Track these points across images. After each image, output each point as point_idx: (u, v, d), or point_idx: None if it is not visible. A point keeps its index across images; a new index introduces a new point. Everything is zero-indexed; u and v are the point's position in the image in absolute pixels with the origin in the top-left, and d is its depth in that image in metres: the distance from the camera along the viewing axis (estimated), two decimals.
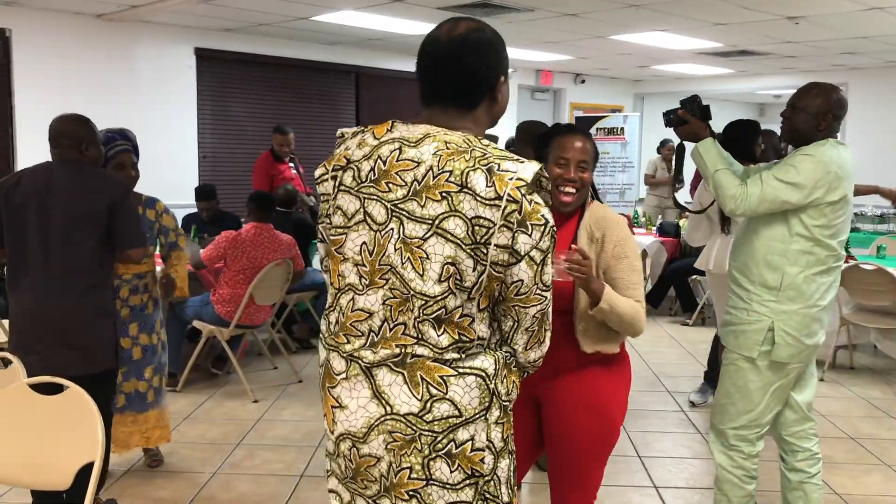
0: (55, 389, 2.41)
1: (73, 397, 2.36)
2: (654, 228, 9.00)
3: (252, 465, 4.11)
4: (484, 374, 1.61)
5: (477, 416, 1.60)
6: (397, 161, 1.60)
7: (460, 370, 1.59)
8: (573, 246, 2.30)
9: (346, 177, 1.66)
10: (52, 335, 3.16)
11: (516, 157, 1.57)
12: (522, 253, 1.55)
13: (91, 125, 3.30)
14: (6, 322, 4.81)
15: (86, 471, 2.27)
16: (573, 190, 2.36)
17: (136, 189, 3.77)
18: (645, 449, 4.41)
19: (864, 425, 4.86)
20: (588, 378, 2.42)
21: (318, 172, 1.73)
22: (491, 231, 1.52)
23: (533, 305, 1.61)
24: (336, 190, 1.68)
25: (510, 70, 1.77)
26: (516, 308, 1.61)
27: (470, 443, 1.60)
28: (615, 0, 6.23)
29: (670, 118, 3.14)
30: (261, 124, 8.54)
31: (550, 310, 1.68)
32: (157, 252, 3.95)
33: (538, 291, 1.60)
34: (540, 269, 1.58)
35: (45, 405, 2.39)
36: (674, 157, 3.48)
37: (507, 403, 1.68)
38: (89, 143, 3.24)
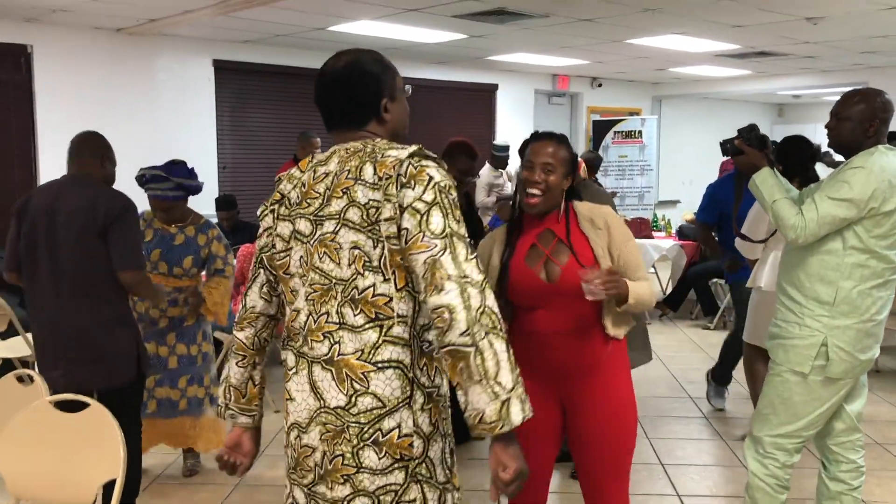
0: (78, 406, 2.44)
1: (96, 414, 2.38)
2: (673, 231, 8.96)
3: (274, 476, 4.13)
4: (401, 366, 1.73)
5: (400, 404, 1.73)
6: (313, 180, 1.83)
7: (379, 365, 1.72)
8: (588, 268, 2.34)
9: (281, 208, 1.88)
10: (69, 352, 3.20)
11: (400, 147, 1.77)
12: (405, 205, 1.68)
13: (108, 144, 3.37)
14: (30, 335, 4.89)
15: (112, 486, 2.30)
16: (537, 192, 2.44)
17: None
18: (667, 456, 4.38)
19: (890, 430, 4.80)
20: (606, 377, 2.51)
21: (259, 211, 1.96)
22: (379, 209, 1.70)
23: (421, 252, 1.66)
24: (275, 221, 1.89)
25: (406, 87, 1.96)
26: (409, 258, 1.68)
27: (396, 430, 1.73)
28: (631, 4, 6.21)
29: (727, 148, 3.10)
30: (278, 134, 8.58)
31: (453, 263, 1.65)
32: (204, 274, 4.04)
33: (426, 238, 1.66)
34: (425, 217, 1.67)
35: (67, 422, 2.42)
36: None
37: (433, 390, 1.79)
38: (106, 160, 3.32)
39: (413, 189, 1.69)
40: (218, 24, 7.03)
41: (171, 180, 3.79)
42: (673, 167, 13.03)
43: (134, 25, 7.11)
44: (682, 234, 8.42)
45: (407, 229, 1.68)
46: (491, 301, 1.66)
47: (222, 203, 6.78)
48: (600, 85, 11.87)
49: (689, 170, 13.02)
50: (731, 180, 4.98)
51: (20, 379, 2.76)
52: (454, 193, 1.74)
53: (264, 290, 1.95)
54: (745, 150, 3.01)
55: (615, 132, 11.53)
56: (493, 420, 1.60)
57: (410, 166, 1.71)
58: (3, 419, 2.50)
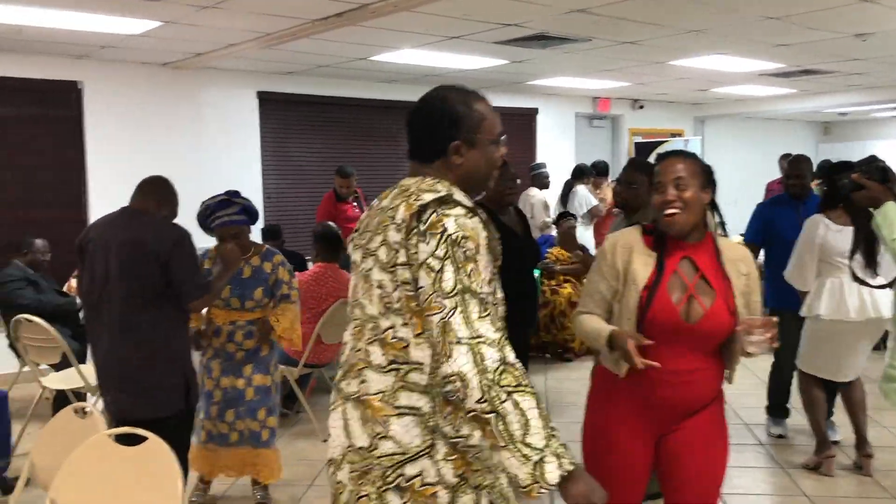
0: (136, 439, 2.44)
1: (154, 448, 2.38)
2: None
3: None
4: (419, 413, 1.69)
5: (421, 454, 1.70)
6: (373, 212, 1.85)
7: (399, 409, 1.69)
8: (749, 319, 2.27)
9: (356, 234, 1.91)
10: (117, 382, 3.26)
11: (439, 189, 1.71)
12: (420, 261, 1.64)
13: (175, 195, 3.44)
14: (83, 367, 4.95)
15: None
16: (674, 210, 2.30)
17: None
18: (724, 485, 4.25)
19: None
20: (709, 420, 2.44)
21: (348, 239, 1.99)
22: (397, 253, 1.69)
23: (434, 313, 1.62)
24: (353, 249, 1.91)
25: (501, 138, 1.87)
26: (426, 318, 1.65)
27: (419, 478, 1.70)
28: (675, 26, 6.16)
29: (844, 184, 3.00)
30: (322, 163, 8.66)
31: (462, 322, 1.59)
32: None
33: (437, 299, 1.62)
34: (438, 276, 1.62)
35: (126, 456, 2.43)
36: None
37: (458, 440, 1.70)
38: (164, 205, 3.37)
39: (427, 243, 1.65)
40: (261, 56, 7.14)
41: (236, 202, 3.82)
42: (717, 189, 12.83)
43: (180, 60, 7.25)
44: None
45: (422, 288, 1.65)
46: (511, 357, 1.58)
47: (268, 233, 6.84)
48: (642, 107, 11.80)
49: (733, 191, 12.81)
50: (782, 203, 4.91)
51: (77, 412, 2.77)
52: (470, 244, 1.65)
53: None
54: (866, 183, 2.88)
55: (657, 154, 11.42)
56: (528, 483, 1.55)
57: (433, 214, 1.67)
58: (63, 452, 2.52)
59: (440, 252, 1.63)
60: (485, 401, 1.55)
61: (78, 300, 5.70)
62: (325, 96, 8.73)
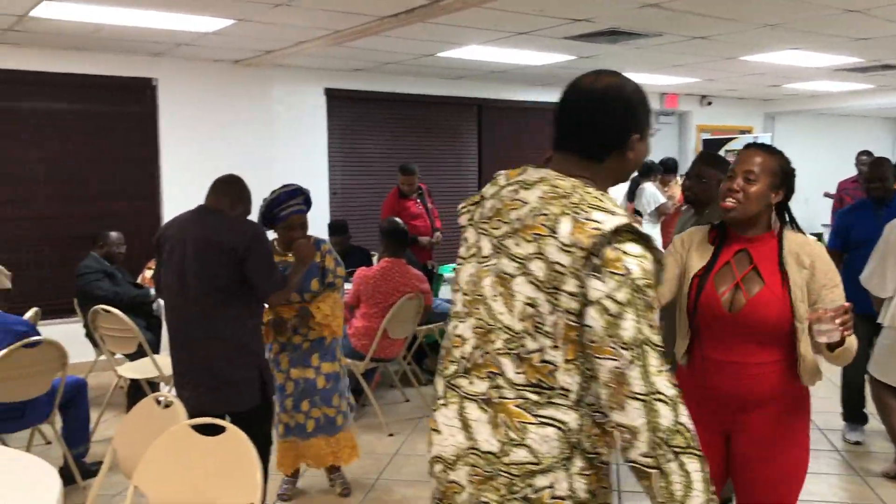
0: (216, 430, 2.49)
1: (233, 438, 2.42)
2: None
3: (392, 500, 4.13)
4: (564, 427, 1.59)
5: (555, 464, 1.59)
6: (510, 200, 1.68)
7: (542, 419, 1.58)
8: (822, 308, 2.20)
9: (476, 212, 1.77)
10: (193, 377, 3.32)
11: (612, 209, 1.55)
12: (592, 299, 1.51)
13: (250, 196, 3.49)
14: (157, 357, 5.08)
15: None
16: (733, 200, 2.33)
17: None
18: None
19: None
20: (783, 423, 2.39)
21: (459, 206, 1.84)
22: (563, 277, 1.53)
23: (606, 358, 1.50)
24: (468, 223, 1.79)
25: (654, 130, 1.74)
26: (592, 357, 1.53)
27: (549, 490, 1.59)
28: (748, 20, 6.01)
29: None
30: (387, 159, 8.71)
31: (642, 377, 1.48)
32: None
33: (611, 345, 1.49)
34: (616, 321, 1.49)
35: (206, 446, 2.47)
36: None
37: (594, 456, 1.62)
38: (239, 203, 3.42)
39: (604, 281, 1.49)
40: (330, 53, 7.21)
41: (303, 192, 3.90)
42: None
43: (251, 57, 7.37)
44: None
45: (591, 328, 1.50)
46: (685, 417, 1.51)
47: (334, 228, 6.91)
48: (710, 103, 11.56)
49: (805, 188, 12.44)
50: (862, 208, 4.76)
51: (158, 402, 2.84)
52: (652, 293, 1.52)
53: None
54: None
55: (726, 151, 11.18)
56: None
57: (609, 247, 1.50)
58: (144, 440, 2.58)
59: (621, 296, 1.48)
60: (651, 457, 1.49)
61: (152, 292, 5.85)
62: (391, 93, 8.78)
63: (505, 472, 1.60)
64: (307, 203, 3.92)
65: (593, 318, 1.51)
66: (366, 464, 4.62)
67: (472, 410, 1.66)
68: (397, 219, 5.93)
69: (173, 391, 4.22)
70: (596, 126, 1.65)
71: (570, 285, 1.52)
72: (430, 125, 9.23)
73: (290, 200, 3.83)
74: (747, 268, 2.34)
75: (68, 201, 7.01)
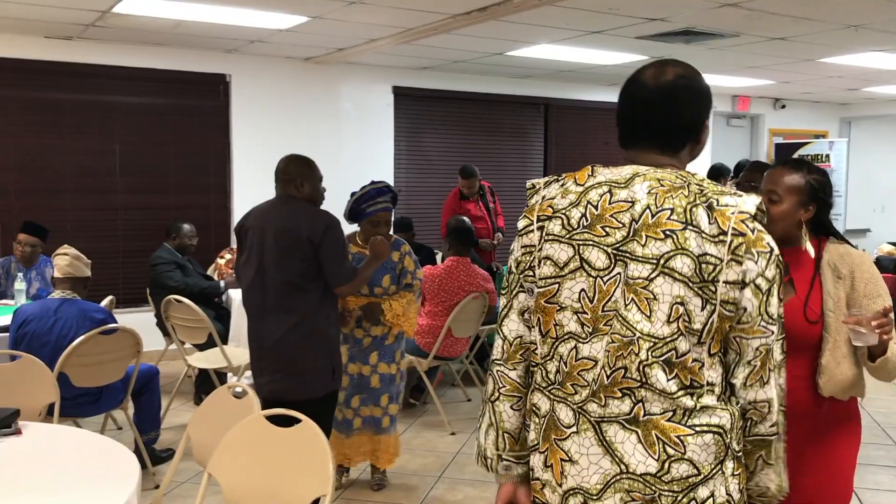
0: (289, 421, 2.51)
1: (307, 430, 2.44)
2: None
3: (455, 499, 4.11)
4: (721, 431, 1.55)
5: (714, 471, 1.55)
6: (609, 204, 1.59)
7: (697, 429, 1.53)
8: (855, 313, 2.16)
9: (554, 226, 1.65)
10: (271, 363, 3.38)
11: (732, 191, 1.56)
12: (747, 280, 1.51)
13: (309, 164, 3.51)
14: (226, 347, 5.17)
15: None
16: None
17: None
18: (860, 481, 4.01)
19: None
20: (824, 440, 2.30)
21: (521, 224, 1.71)
22: (718, 268, 1.49)
23: (756, 337, 1.53)
24: (542, 241, 1.66)
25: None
26: (738, 339, 1.54)
27: (711, 499, 1.55)
28: (831, 21, 5.83)
29: None
30: (453, 158, 8.71)
31: (779, 352, 1.57)
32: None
33: (762, 323, 1.53)
34: (766, 298, 1.52)
35: (280, 437, 2.49)
36: None
37: (740, 454, 1.61)
38: (304, 180, 3.43)
39: (756, 261, 1.51)
40: (399, 51, 7.24)
41: (391, 190, 3.94)
42: (863, 193, 12.12)
43: (322, 55, 7.45)
44: (880, 266, 7.80)
45: (746, 309, 1.52)
46: (783, 379, 1.60)
47: (400, 225, 6.93)
48: (784, 106, 11.26)
49: (882, 196, 12.08)
50: None
51: (232, 391, 2.88)
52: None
53: (525, 315, 1.72)
54: None
55: (800, 156, 10.89)
56: (775, 494, 1.64)
57: (751, 227, 1.52)
58: (218, 429, 2.62)
59: (769, 273, 1.52)
60: (775, 425, 1.58)
61: (222, 284, 5.96)
62: (458, 91, 8.78)
63: (667, 490, 1.55)
64: (394, 201, 3.98)
65: (749, 298, 1.52)
66: (427, 462, 4.62)
67: (616, 433, 1.58)
68: (465, 217, 5.92)
69: (245, 381, 4.31)
70: (675, 118, 1.64)
71: (731, 274, 1.51)
72: (497, 124, 9.20)
73: (379, 197, 3.89)
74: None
75: (143, 193, 7.19)
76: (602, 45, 6.89)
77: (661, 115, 1.64)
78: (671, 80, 1.64)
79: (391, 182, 8.43)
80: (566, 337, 1.63)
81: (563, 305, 1.63)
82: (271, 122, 7.68)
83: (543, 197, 1.70)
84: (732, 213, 1.51)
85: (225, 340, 5.56)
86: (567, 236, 1.63)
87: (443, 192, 7.88)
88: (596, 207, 1.61)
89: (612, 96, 9.17)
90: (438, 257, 6.93)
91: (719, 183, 8.10)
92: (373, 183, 3.93)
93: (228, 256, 6.44)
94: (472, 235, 5.65)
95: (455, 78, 8.70)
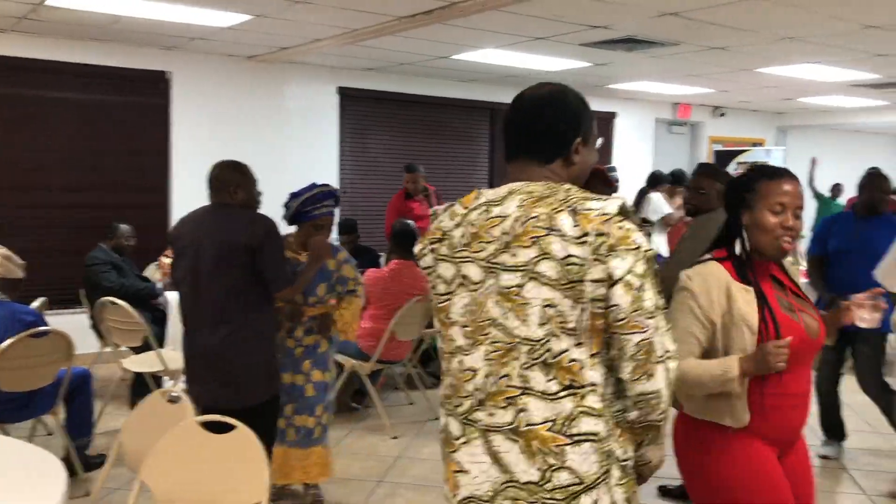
0: (224, 427, 2.46)
1: (242, 437, 2.40)
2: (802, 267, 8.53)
3: None
4: (597, 438, 1.60)
5: (598, 480, 1.60)
6: (485, 221, 1.68)
7: (575, 438, 1.59)
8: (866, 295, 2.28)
9: (442, 247, 1.75)
10: (207, 371, 3.31)
11: (598, 195, 1.62)
12: (616, 277, 1.55)
13: (242, 170, 3.43)
14: (162, 351, 5.06)
15: None
16: (789, 240, 2.22)
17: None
18: None
19: None
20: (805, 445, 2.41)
21: (416, 249, 1.83)
22: (584, 268, 1.55)
23: (635, 332, 1.57)
24: (435, 262, 1.76)
25: (598, 140, 1.82)
26: (618, 335, 1.58)
27: None
28: (767, 33, 5.98)
29: None
30: (398, 160, 8.67)
31: (664, 344, 1.60)
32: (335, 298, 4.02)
33: (638, 318, 1.56)
34: (639, 293, 1.56)
35: (214, 443, 2.44)
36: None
37: (626, 462, 1.67)
38: (237, 187, 3.37)
39: (623, 258, 1.55)
40: (344, 52, 7.20)
41: (336, 194, 3.86)
42: None
43: (265, 53, 7.36)
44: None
45: (619, 305, 1.56)
46: (678, 362, 1.66)
47: (344, 227, 6.89)
48: (723, 114, 11.53)
49: (816, 203, 12.45)
50: (849, 217, 4.75)
51: (167, 398, 2.82)
52: (654, 261, 1.62)
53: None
54: None
55: (738, 163, 11.16)
56: (657, 465, 1.77)
57: (617, 227, 1.56)
58: (152, 435, 2.55)
59: (639, 269, 1.55)
60: (664, 412, 1.64)
61: (159, 286, 5.83)
62: (405, 93, 8.76)
63: (550, 498, 1.59)
64: (336, 205, 3.90)
65: (620, 295, 1.55)
66: (369, 466, 4.59)
67: (501, 442, 1.63)
68: (409, 221, 5.90)
69: (180, 387, 4.21)
70: (542, 130, 1.71)
71: (596, 272, 1.55)
72: (443, 127, 9.21)
73: (326, 200, 3.80)
74: (786, 292, 2.28)
75: (79, 191, 7.00)
76: (547, 52, 6.95)
77: (529, 122, 1.73)
78: (543, 94, 1.74)
79: (336, 183, 8.37)
80: (455, 351, 1.72)
81: (453, 321, 1.72)
82: (213, 122, 7.55)
83: (438, 222, 1.79)
84: (596, 216, 1.56)
85: (161, 343, 5.44)
86: (451, 255, 1.73)
87: (387, 194, 7.85)
88: (473, 226, 1.70)
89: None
90: (382, 260, 6.90)
91: (656, 190, 8.25)
92: (319, 185, 3.86)
93: None
94: (415, 238, 5.63)
95: (401, 80, 8.68)
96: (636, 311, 1.56)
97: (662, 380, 1.60)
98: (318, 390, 3.92)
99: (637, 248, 1.56)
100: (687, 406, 2.31)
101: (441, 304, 1.75)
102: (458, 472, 1.70)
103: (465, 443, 1.69)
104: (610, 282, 1.55)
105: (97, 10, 5.61)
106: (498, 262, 1.64)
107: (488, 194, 1.73)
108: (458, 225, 1.73)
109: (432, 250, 1.78)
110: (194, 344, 3.33)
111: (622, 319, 1.56)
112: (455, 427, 1.71)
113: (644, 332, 1.57)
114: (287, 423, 3.88)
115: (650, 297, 1.57)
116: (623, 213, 1.59)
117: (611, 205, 1.58)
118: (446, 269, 1.73)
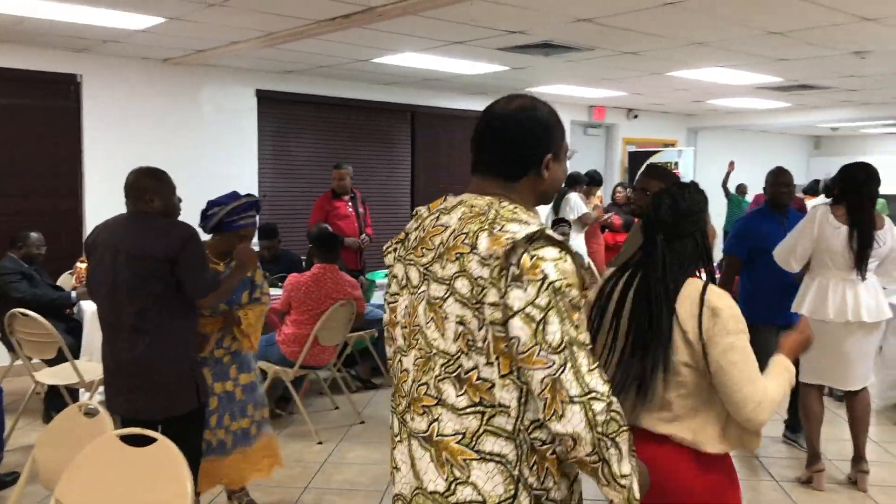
0: (144, 440, 2.43)
1: (163, 449, 2.37)
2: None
3: None
4: (504, 461, 1.56)
5: (503, 503, 1.56)
6: (432, 227, 1.69)
7: (483, 455, 1.56)
8: None
9: (401, 248, 1.77)
10: (127, 381, 3.24)
11: (526, 220, 1.57)
12: (515, 309, 1.50)
13: (159, 177, 3.36)
14: (78, 362, 4.92)
15: None
16: None
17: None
18: None
19: None
20: None
21: (385, 247, 1.84)
22: (484, 290, 1.53)
23: (538, 368, 1.49)
24: (394, 261, 1.79)
25: (570, 151, 1.80)
26: (523, 369, 1.52)
27: None
28: (677, 38, 6.19)
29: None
30: (319, 163, 8.64)
31: (572, 379, 1.49)
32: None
33: (542, 353, 1.49)
34: (541, 327, 1.48)
35: (134, 457, 2.40)
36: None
37: (541, 493, 1.59)
38: (154, 195, 3.29)
39: (524, 290, 1.48)
40: (262, 55, 7.12)
41: (258, 204, 3.83)
42: (709, 199, 12.90)
43: (181, 56, 7.22)
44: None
45: (518, 338, 1.49)
46: (616, 404, 1.53)
47: (264, 232, 6.80)
48: (636, 116, 11.85)
49: (725, 202, 12.92)
50: (763, 215, 4.92)
51: (83, 412, 2.75)
52: (574, 292, 1.51)
53: None
54: None
55: (649, 164, 11.48)
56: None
57: (526, 254, 1.50)
58: (68, 451, 2.49)
59: (541, 301, 1.48)
60: (595, 453, 1.52)
61: (73, 295, 5.66)
62: (325, 96, 8.72)
63: None
64: (258, 213, 3.88)
65: (519, 328, 1.49)
66: (294, 472, 4.57)
67: (416, 448, 1.65)
68: (325, 224, 5.88)
69: (97, 399, 4.10)
70: (510, 146, 1.66)
71: (492, 296, 1.52)
72: (364, 130, 9.20)
73: (250, 210, 3.76)
74: None
75: None
76: (465, 55, 7.03)
77: (498, 139, 1.67)
78: (514, 109, 1.68)
79: (255, 187, 8.27)
80: (397, 351, 1.75)
81: (397, 321, 1.75)
82: (127, 125, 7.36)
83: (410, 223, 1.79)
84: (506, 240, 1.52)
85: (77, 355, 5.28)
86: (404, 257, 1.75)
87: (309, 198, 7.80)
88: (424, 231, 1.71)
89: (477, 104, 9.47)
90: (305, 264, 6.85)
91: (574, 190, 8.39)
92: (243, 196, 3.80)
93: None
94: (336, 242, 5.62)
95: (321, 83, 8.63)
96: (537, 345, 1.48)
97: (579, 422, 1.49)
98: (245, 392, 3.91)
99: (542, 279, 1.49)
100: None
101: (391, 304, 1.77)
102: (394, 468, 1.74)
103: (399, 441, 1.72)
104: (509, 312, 1.50)
105: (0, 12, 5.41)
106: (431, 272, 1.64)
107: (449, 201, 1.73)
108: (416, 228, 1.75)
109: (395, 250, 1.80)
110: (116, 353, 3.25)
111: (523, 353, 1.50)
112: (395, 425, 1.75)
113: (547, 367, 1.49)
114: (226, 432, 3.85)
115: (556, 331, 1.49)
116: (539, 239, 1.52)
117: (524, 230, 1.52)
118: (399, 270, 1.75)
